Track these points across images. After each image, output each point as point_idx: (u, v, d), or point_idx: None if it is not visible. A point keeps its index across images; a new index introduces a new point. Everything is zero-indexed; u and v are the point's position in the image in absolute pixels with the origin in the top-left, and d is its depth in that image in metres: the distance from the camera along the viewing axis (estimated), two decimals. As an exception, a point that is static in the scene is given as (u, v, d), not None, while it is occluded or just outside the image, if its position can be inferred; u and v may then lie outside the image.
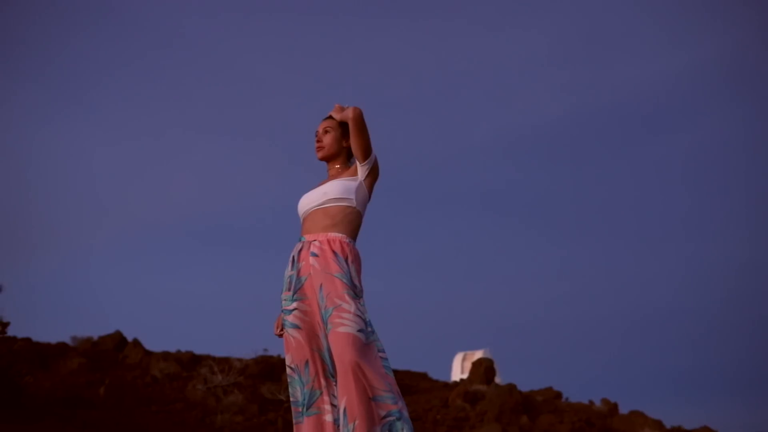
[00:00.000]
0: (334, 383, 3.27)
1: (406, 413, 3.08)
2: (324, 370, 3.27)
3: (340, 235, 3.29)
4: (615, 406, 15.85)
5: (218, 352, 14.95)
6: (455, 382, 17.34)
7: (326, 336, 3.22)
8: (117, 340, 15.07)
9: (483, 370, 15.59)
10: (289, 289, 3.31)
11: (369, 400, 3.02)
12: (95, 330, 16.14)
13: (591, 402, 16.21)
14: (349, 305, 3.13)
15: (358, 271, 3.28)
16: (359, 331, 3.10)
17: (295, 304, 3.28)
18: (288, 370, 3.34)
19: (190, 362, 14.09)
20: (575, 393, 17.02)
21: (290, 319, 3.28)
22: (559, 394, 16.28)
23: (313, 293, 3.25)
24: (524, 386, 15.44)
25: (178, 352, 14.73)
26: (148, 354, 14.39)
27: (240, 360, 14.10)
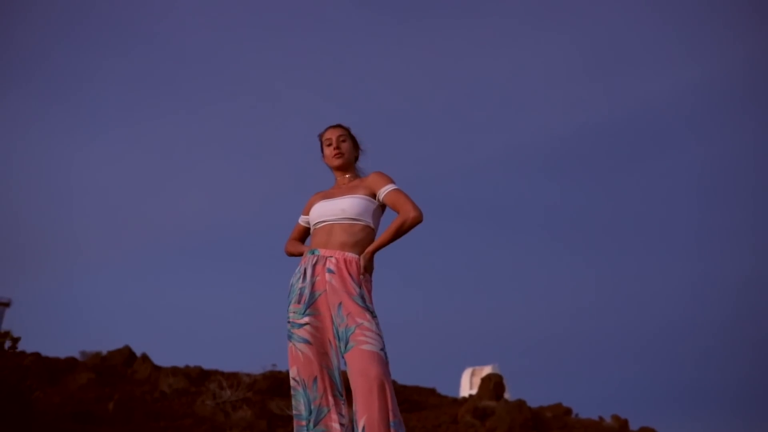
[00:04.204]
0: (342, 402, 3.27)
1: None
2: (332, 387, 3.26)
3: (356, 257, 3.32)
4: (625, 422, 15.73)
5: (227, 367, 14.95)
6: (464, 398, 17.25)
7: (339, 354, 3.22)
8: (126, 355, 15.07)
9: (492, 385, 15.52)
10: (299, 302, 3.29)
11: (389, 423, 3.03)
12: (104, 345, 16.15)
13: (601, 418, 16.09)
14: (371, 324, 3.15)
15: (371, 292, 3.30)
16: (381, 350, 3.12)
17: (306, 319, 3.27)
18: (292, 383, 3.32)
19: (198, 377, 14.08)
20: (585, 409, 16.94)
21: (300, 333, 3.27)
22: (569, 410, 16.18)
23: (328, 310, 3.25)
24: (534, 402, 15.37)
25: (187, 367, 14.71)
26: (157, 369, 14.39)
27: (249, 375, 14.08)
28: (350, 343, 3.12)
